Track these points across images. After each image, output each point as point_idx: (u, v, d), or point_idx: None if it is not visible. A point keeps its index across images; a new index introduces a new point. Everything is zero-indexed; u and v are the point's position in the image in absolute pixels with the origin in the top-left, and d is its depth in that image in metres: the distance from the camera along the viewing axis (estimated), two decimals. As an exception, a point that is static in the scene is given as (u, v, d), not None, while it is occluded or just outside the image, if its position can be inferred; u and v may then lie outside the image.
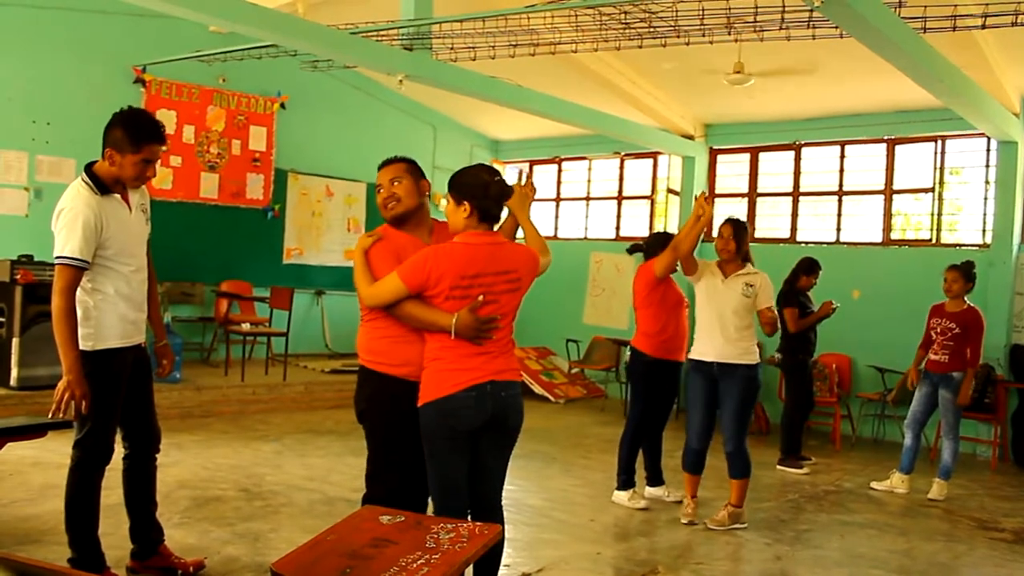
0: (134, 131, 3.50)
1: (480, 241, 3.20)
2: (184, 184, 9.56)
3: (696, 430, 5.37)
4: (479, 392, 3.15)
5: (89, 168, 3.57)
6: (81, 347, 3.49)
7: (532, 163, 12.38)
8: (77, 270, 3.45)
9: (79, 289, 3.50)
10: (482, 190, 3.21)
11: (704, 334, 5.34)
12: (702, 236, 5.40)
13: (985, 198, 8.68)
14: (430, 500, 3.32)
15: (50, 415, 3.46)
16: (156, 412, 3.95)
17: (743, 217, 7.46)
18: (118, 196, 3.60)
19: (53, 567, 3.49)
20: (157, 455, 3.95)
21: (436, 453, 3.19)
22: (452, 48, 7.16)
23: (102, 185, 3.53)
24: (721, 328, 5.25)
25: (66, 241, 3.44)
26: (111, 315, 3.58)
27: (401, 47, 6.94)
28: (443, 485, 3.20)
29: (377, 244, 3.33)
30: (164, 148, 3.67)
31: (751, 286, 5.28)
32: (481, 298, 3.11)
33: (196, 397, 7.98)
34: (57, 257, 3.45)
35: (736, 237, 5.34)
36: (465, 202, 3.19)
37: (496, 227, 3.35)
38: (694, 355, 5.39)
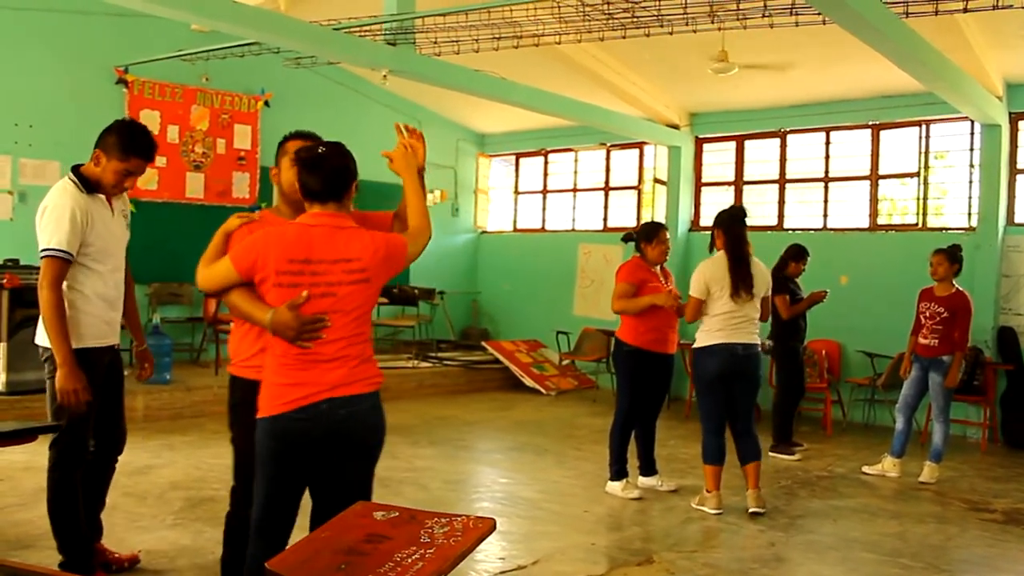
0: (126, 141, 3.55)
1: (317, 222, 2.81)
2: (170, 184, 9.50)
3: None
4: (310, 413, 2.76)
5: (76, 169, 3.62)
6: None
7: (518, 156, 12.40)
8: (64, 263, 3.48)
9: None
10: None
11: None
12: None
13: (970, 181, 8.71)
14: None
15: (56, 409, 3.49)
16: (125, 415, 3.99)
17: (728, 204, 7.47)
18: (102, 197, 3.64)
19: (46, 571, 3.47)
20: (119, 456, 3.96)
21: (264, 474, 2.85)
22: (436, 42, 7.14)
23: (88, 184, 3.58)
24: None
25: (53, 234, 3.47)
26: (88, 315, 3.60)
27: (384, 42, 6.92)
28: (264, 508, 2.87)
29: (244, 227, 2.98)
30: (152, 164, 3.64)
31: None
32: (305, 294, 2.71)
33: (187, 398, 7.95)
34: (44, 250, 3.47)
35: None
36: None
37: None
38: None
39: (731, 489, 5.65)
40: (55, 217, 3.48)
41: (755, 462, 5.45)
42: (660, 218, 10.54)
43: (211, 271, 2.85)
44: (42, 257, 3.48)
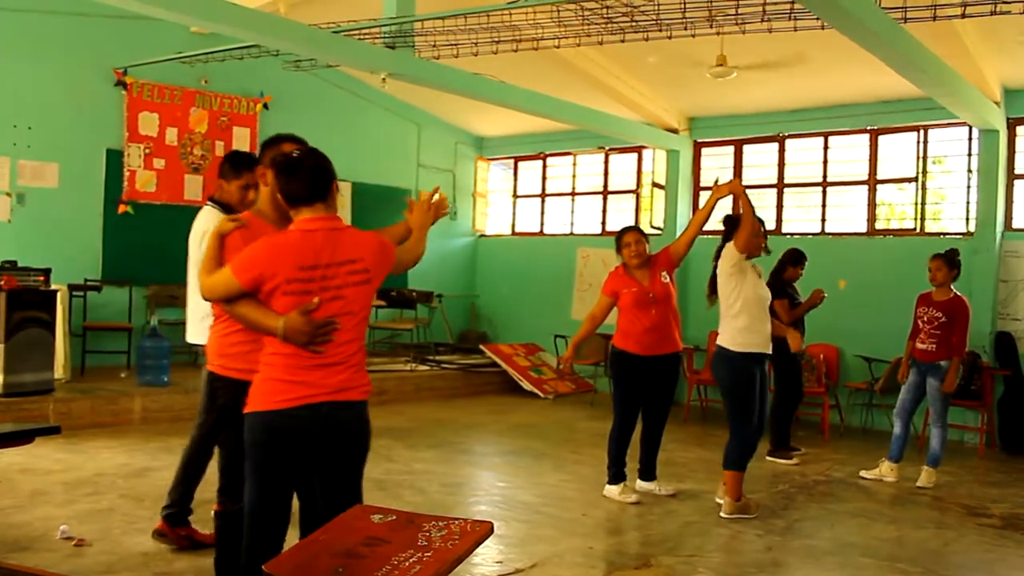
0: (235, 162, 4.19)
1: (317, 227, 2.83)
2: (168, 187, 9.50)
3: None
4: (312, 412, 2.78)
5: (212, 199, 4.27)
6: (200, 340, 3.85)
7: (517, 159, 12.40)
8: None
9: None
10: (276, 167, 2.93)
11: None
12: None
13: (968, 186, 8.73)
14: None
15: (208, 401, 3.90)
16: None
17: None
18: None
19: (44, 573, 3.47)
20: None
21: (256, 469, 2.85)
22: (435, 46, 7.15)
23: (226, 208, 4.11)
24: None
25: None
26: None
27: (383, 45, 6.93)
28: (256, 505, 2.86)
29: (238, 232, 3.01)
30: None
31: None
32: (317, 300, 2.76)
33: (185, 400, 7.92)
34: None
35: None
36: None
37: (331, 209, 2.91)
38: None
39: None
40: None
41: (724, 468, 5.41)
42: (659, 222, 10.58)
43: (212, 282, 2.87)
44: None
